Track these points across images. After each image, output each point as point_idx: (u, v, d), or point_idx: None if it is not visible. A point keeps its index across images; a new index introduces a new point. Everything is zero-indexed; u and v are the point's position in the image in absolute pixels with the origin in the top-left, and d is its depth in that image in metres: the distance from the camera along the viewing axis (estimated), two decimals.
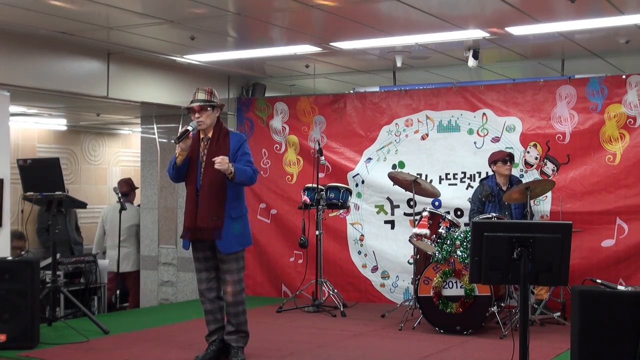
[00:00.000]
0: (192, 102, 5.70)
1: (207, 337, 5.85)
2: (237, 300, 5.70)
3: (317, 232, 8.21)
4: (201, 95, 5.68)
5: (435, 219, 7.22)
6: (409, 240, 7.39)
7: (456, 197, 8.32)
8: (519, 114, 8.14)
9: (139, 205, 10.19)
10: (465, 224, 7.83)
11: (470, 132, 8.37)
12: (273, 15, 6.67)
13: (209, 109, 5.66)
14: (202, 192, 5.60)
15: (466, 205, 8.02)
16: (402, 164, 8.68)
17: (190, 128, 5.56)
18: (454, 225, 7.24)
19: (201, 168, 5.64)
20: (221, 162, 5.42)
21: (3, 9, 6.20)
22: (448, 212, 7.70)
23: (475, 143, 8.33)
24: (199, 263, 5.77)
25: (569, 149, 7.90)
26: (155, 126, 9.79)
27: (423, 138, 8.62)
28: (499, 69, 9.02)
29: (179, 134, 5.56)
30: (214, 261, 5.74)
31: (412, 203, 7.76)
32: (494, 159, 7.64)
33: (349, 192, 8.47)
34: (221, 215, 5.59)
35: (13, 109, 8.59)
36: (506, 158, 7.57)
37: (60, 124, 11.62)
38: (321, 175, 8.51)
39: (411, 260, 7.85)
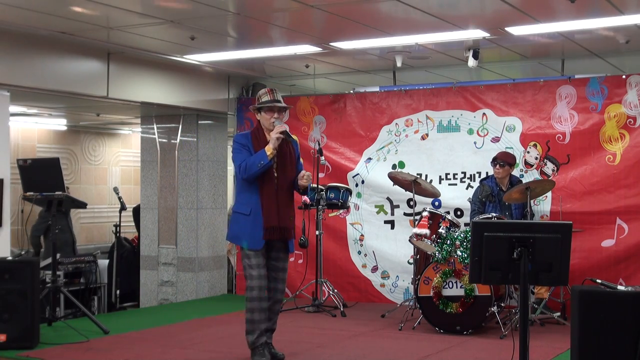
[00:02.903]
0: (273, 101, 5.64)
1: (257, 339, 5.62)
2: (282, 298, 5.86)
3: (317, 232, 8.21)
4: (279, 97, 5.69)
5: (435, 219, 7.22)
6: (409, 240, 7.39)
7: (456, 197, 8.31)
8: (519, 114, 8.14)
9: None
10: (466, 224, 7.83)
11: (470, 132, 8.37)
12: (273, 15, 6.68)
13: (282, 111, 5.75)
14: (280, 192, 5.62)
15: (466, 205, 8.01)
16: (402, 164, 8.68)
17: (287, 127, 5.60)
18: (454, 225, 7.24)
19: (273, 168, 5.60)
20: (308, 178, 5.63)
21: (3, 9, 6.20)
22: (448, 212, 7.70)
23: (475, 143, 8.33)
24: (259, 259, 5.62)
25: (569, 149, 7.90)
26: (155, 126, 9.79)
27: (423, 138, 8.61)
28: (499, 69, 9.02)
29: (286, 133, 5.55)
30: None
31: (412, 203, 7.76)
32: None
33: (349, 192, 8.48)
34: (294, 215, 5.75)
35: (13, 109, 8.60)
36: (497, 161, 7.53)
37: (60, 124, 11.63)
38: (321, 175, 8.51)
39: (411, 260, 7.85)
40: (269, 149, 5.51)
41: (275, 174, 5.61)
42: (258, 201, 5.59)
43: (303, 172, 5.72)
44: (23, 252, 7.37)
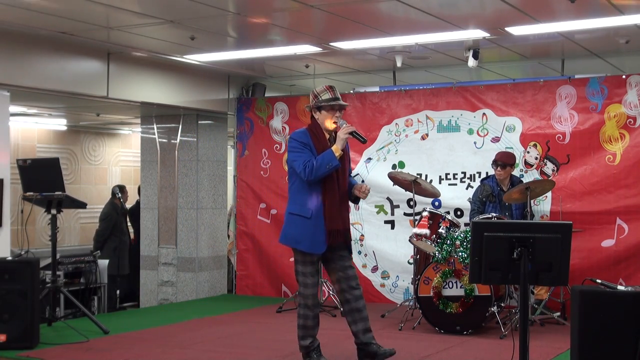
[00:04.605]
0: (335, 99, 5.38)
1: (311, 344, 5.49)
2: (361, 294, 5.57)
3: None
4: (339, 94, 5.45)
5: (435, 219, 7.21)
6: (409, 240, 7.39)
7: (456, 197, 8.31)
8: (519, 114, 8.14)
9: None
10: (465, 224, 7.83)
11: (470, 132, 8.37)
12: (273, 15, 6.67)
13: (343, 109, 5.51)
14: (341, 195, 5.45)
15: (466, 205, 8.01)
16: (402, 164, 8.68)
17: (353, 127, 5.36)
18: (454, 225, 7.24)
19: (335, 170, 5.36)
20: (367, 193, 5.50)
21: (3, 9, 6.20)
22: (448, 212, 7.70)
23: (475, 143, 8.33)
24: (312, 266, 5.43)
25: (569, 149, 7.90)
26: (155, 126, 9.79)
27: (423, 138, 8.62)
28: (499, 69, 9.02)
29: (355, 133, 5.32)
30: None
31: (412, 203, 7.76)
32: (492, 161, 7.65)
33: None
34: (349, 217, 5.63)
35: (13, 109, 8.60)
36: (498, 163, 7.52)
37: (60, 124, 11.64)
38: None
39: (411, 260, 7.85)
40: (337, 150, 5.25)
41: (336, 176, 5.38)
42: (320, 203, 5.35)
43: (365, 185, 5.55)
44: (23, 252, 7.35)
